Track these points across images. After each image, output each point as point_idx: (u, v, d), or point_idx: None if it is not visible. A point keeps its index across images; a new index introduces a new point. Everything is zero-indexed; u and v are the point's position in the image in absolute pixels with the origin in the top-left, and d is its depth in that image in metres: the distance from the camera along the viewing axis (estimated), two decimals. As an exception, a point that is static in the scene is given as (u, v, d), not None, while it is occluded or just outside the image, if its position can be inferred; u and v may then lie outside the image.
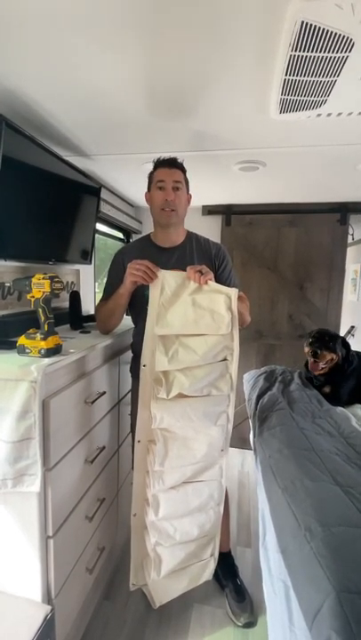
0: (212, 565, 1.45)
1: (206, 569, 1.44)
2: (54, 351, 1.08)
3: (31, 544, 1.02)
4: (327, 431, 1.52)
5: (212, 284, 1.20)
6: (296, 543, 0.92)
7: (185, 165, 1.35)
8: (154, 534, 1.29)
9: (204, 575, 1.44)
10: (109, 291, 1.42)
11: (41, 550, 1.03)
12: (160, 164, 1.34)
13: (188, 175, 1.37)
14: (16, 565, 1.06)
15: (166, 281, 1.21)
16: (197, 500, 1.31)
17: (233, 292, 1.20)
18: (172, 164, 1.32)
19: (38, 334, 1.07)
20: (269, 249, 2.78)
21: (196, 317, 1.19)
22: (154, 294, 1.21)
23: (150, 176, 1.37)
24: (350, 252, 2.76)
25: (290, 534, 0.96)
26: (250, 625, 1.40)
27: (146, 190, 1.40)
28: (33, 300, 1.09)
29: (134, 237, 2.78)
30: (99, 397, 1.30)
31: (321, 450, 1.34)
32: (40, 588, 1.05)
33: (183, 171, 1.35)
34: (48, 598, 1.07)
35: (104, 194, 2.04)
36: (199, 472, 1.30)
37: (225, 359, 1.26)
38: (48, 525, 1.04)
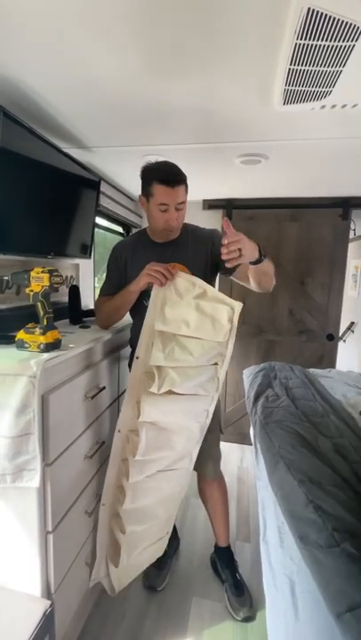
0: (165, 540, 1.49)
1: (161, 546, 1.49)
2: (53, 346, 1.07)
3: (31, 539, 1.02)
4: (338, 428, 1.52)
5: (218, 294, 1.21)
6: (321, 538, 0.91)
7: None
8: (127, 521, 1.29)
9: (157, 552, 1.48)
10: (110, 286, 1.40)
11: (40, 545, 1.03)
12: (161, 180, 1.19)
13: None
14: (15, 561, 1.06)
15: (173, 280, 1.21)
16: (168, 487, 1.34)
17: (237, 306, 1.20)
18: (176, 181, 1.20)
19: (37, 329, 1.06)
20: (271, 244, 2.76)
21: (197, 321, 1.19)
22: (158, 290, 1.21)
23: (147, 185, 1.23)
24: (351, 247, 2.74)
25: (309, 527, 0.96)
26: (249, 619, 1.41)
27: (140, 193, 1.28)
28: (32, 294, 1.08)
29: (134, 232, 2.76)
30: (99, 392, 1.30)
31: (329, 446, 1.35)
32: (39, 583, 1.05)
33: (185, 180, 1.24)
34: (47, 593, 1.07)
35: (104, 187, 2.02)
36: (174, 462, 1.32)
37: (216, 363, 1.27)
38: (47, 520, 1.04)
